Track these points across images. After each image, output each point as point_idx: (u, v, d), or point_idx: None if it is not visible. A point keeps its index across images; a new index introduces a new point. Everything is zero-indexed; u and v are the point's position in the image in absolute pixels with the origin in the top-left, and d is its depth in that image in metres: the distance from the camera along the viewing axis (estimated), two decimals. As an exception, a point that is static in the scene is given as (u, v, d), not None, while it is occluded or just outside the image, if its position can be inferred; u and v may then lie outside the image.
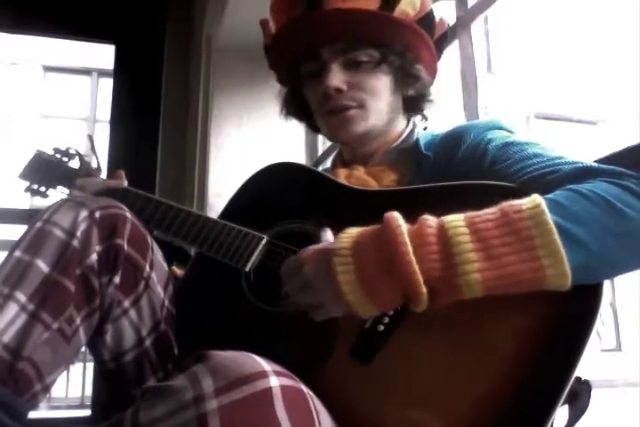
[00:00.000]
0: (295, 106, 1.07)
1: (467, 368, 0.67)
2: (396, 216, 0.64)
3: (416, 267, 0.60)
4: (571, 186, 0.68)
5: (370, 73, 0.95)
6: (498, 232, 0.61)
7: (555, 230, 0.60)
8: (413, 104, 1.03)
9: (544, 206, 0.62)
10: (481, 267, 0.60)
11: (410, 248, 0.61)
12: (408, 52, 0.97)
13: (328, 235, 0.76)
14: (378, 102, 0.96)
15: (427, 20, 0.97)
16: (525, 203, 0.63)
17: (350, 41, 0.94)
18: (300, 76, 1.01)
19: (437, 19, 1.00)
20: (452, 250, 0.61)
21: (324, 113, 0.98)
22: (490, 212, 0.64)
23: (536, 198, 0.64)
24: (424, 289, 0.61)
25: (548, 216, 0.61)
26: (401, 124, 1.02)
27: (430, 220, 0.64)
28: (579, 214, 0.63)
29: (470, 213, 0.64)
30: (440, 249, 0.62)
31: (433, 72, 1.04)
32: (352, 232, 0.67)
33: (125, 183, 1.13)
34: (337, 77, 0.94)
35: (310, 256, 0.69)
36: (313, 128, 1.10)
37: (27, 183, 1.18)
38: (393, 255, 0.61)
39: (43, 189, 1.17)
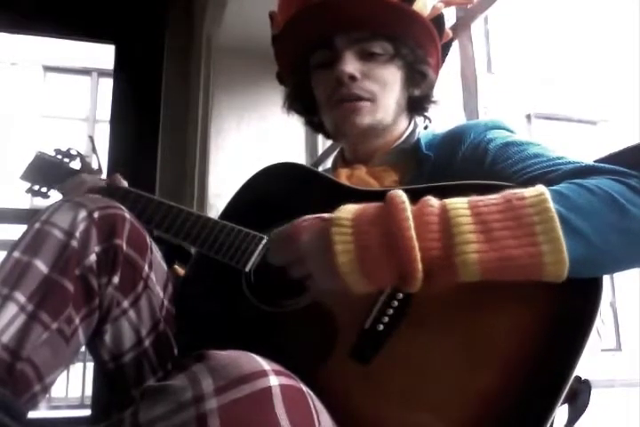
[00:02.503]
0: (300, 99, 1.06)
1: (466, 368, 0.67)
2: (400, 194, 0.64)
3: (415, 243, 0.60)
4: (575, 180, 0.68)
5: (383, 65, 0.95)
6: (499, 216, 0.61)
7: (556, 219, 0.60)
8: (418, 104, 1.03)
9: (547, 195, 0.62)
10: (479, 248, 0.60)
11: (412, 223, 0.61)
12: (419, 48, 0.98)
13: None
14: (388, 96, 0.96)
15: (438, 20, 0.97)
16: (529, 191, 0.63)
17: (366, 31, 0.94)
18: (310, 68, 1.00)
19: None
20: (452, 230, 0.61)
21: (332, 103, 0.96)
22: (493, 197, 0.64)
23: (540, 188, 0.64)
24: (420, 266, 0.60)
25: (551, 205, 0.61)
26: (403, 123, 1.02)
27: (432, 200, 0.64)
28: (582, 207, 0.64)
29: (473, 197, 0.64)
30: (440, 229, 0.61)
31: (437, 74, 1.04)
32: (353, 205, 0.67)
33: (125, 184, 1.13)
34: (352, 64, 0.93)
35: (307, 225, 0.68)
36: (314, 126, 1.09)
37: (28, 184, 1.18)
38: (394, 230, 0.61)
39: (44, 190, 1.17)
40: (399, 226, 0.61)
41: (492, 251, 0.60)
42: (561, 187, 0.67)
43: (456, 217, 0.61)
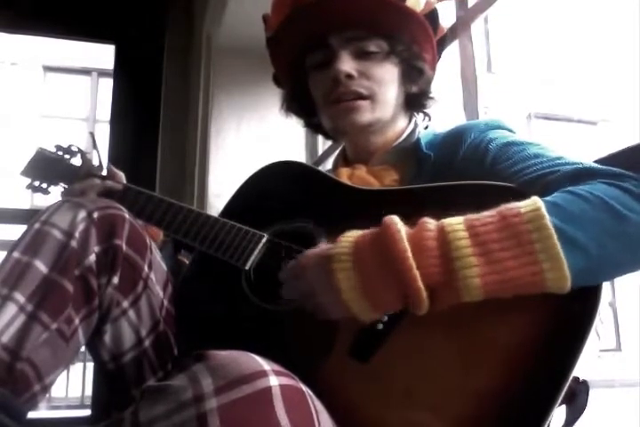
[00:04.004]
0: (297, 101, 1.06)
1: (465, 367, 0.67)
2: (395, 221, 0.64)
3: (417, 274, 0.61)
4: (570, 188, 0.68)
5: (379, 63, 0.95)
6: (497, 236, 0.61)
7: (554, 235, 0.60)
8: (416, 101, 1.03)
9: (544, 210, 0.62)
10: (481, 272, 0.60)
11: (410, 255, 0.61)
12: (415, 44, 0.98)
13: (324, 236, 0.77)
14: (386, 93, 0.96)
15: (432, 15, 0.98)
16: (524, 206, 0.63)
17: (361, 29, 0.94)
18: (306, 69, 1.00)
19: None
20: (452, 254, 0.61)
21: (330, 102, 0.96)
22: (489, 215, 0.64)
23: (536, 202, 0.64)
24: (425, 295, 0.61)
25: (548, 220, 0.61)
26: (402, 121, 1.02)
27: (430, 223, 0.64)
28: (578, 217, 0.63)
29: (469, 216, 0.64)
30: (440, 254, 0.62)
31: (433, 70, 1.04)
32: (351, 236, 0.67)
33: (124, 179, 1.12)
34: (348, 63, 0.93)
35: (310, 262, 0.69)
36: (312, 127, 1.10)
37: (28, 180, 1.18)
38: (393, 262, 0.62)
39: (44, 185, 1.17)
40: (398, 258, 0.61)
41: (494, 273, 0.60)
42: (555, 197, 0.67)
43: (455, 240, 0.62)
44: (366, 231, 0.67)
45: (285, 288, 0.74)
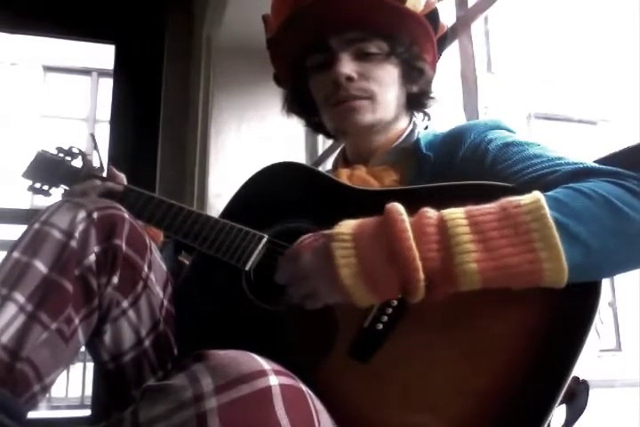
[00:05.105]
0: (298, 101, 1.07)
1: (465, 368, 0.67)
2: (397, 207, 0.65)
3: (416, 254, 0.61)
4: (572, 184, 0.69)
5: (379, 64, 0.96)
6: (496, 225, 0.62)
7: (553, 225, 0.61)
8: (417, 101, 1.03)
9: (543, 202, 0.62)
10: (478, 257, 0.60)
11: (411, 235, 0.62)
12: (415, 45, 0.98)
13: None
14: (386, 94, 0.96)
15: (432, 15, 0.98)
16: (525, 198, 0.64)
17: (361, 31, 0.94)
18: (306, 70, 1.00)
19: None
20: (451, 240, 0.61)
21: (331, 104, 0.97)
22: (489, 206, 0.65)
23: (536, 194, 0.64)
24: (422, 276, 0.61)
25: (547, 211, 0.61)
26: (403, 122, 1.02)
27: (430, 211, 0.65)
28: (578, 212, 0.64)
29: (470, 207, 0.65)
30: (439, 239, 0.62)
31: (434, 69, 1.04)
32: (352, 221, 0.68)
33: (125, 181, 1.13)
34: (348, 66, 0.94)
35: (309, 243, 0.69)
36: (314, 126, 1.10)
37: (29, 182, 1.19)
38: (394, 242, 0.62)
39: (45, 187, 1.17)
40: (399, 237, 0.62)
41: (491, 260, 0.60)
42: (557, 192, 0.67)
43: (454, 227, 0.62)
44: (366, 218, 0.67)
45: (279, 272, 0.73)
